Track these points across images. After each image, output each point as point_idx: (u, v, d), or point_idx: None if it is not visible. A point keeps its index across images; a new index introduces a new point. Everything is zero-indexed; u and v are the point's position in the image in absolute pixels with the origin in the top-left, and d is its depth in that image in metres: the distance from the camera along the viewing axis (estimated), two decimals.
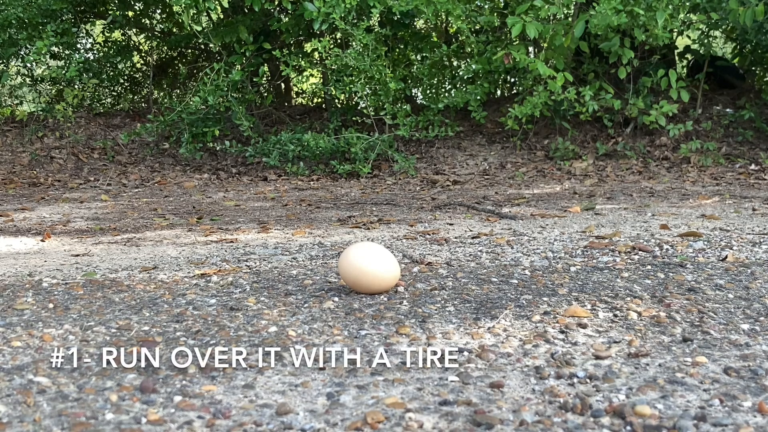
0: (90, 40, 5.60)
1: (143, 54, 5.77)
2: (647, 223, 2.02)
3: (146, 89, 5.75)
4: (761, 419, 0.67)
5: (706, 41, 4.25)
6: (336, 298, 1.14)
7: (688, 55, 4.86)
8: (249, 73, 4.59)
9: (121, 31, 5.57)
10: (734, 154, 4.01)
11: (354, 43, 4.02)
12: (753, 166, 3.79)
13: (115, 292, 1.22)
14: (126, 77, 5.73)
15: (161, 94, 5.78)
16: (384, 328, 0.97)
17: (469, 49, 4.18)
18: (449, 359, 0.85)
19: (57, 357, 0.87)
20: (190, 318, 1.04)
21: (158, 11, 5.51)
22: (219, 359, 0.85)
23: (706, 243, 1.62)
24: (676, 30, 4.11)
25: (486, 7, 4.34)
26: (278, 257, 1.58)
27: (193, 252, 1.69)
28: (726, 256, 1.44)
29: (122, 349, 0.88)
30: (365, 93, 4.15)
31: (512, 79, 4.94)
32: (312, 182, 3.85)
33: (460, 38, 4.22)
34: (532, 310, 1.05)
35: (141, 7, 5.40)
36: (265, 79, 4.96)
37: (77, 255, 1.68)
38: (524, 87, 4.17)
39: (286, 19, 4.46)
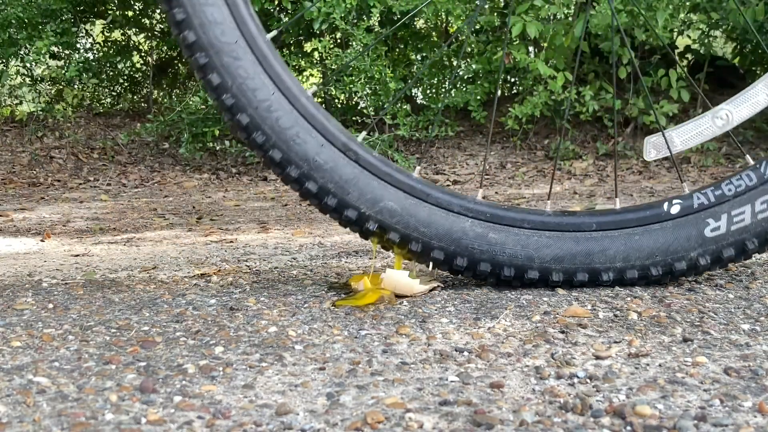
0: (90, 40, 5.60)
1: (143, 54, 5.76)
2: None
3: (146, 89, 5.75)
4: (761, 419, 0.67)
5: (706, 41, 4.25)
6: (336, 299, 1.14)
7: (689, 55, 4.86)
8: None
9: (121, 31, 5.57)
10: (734, 154, 4.01)
11: (354, 43, 4.02)
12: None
13: (115, 292, 1.22)
14: (126, 77, 5.72)
15: (161, 94, 5.78)
16: (384, 328, 0.97)
17: (469, 49, 4.19)
18: (449, 359, 0.84)
19: (57, 357, 0.86)
20: (190, 318, 1.04)
21: (158, 11, 5.51)
22: (219, 359, 0.85)
23: None
24: (676, 30, 4.11)
25: (486, 7, 4.34)
26: (278, 257, 1.58)
27: (193, 252, 1.69)
28: None
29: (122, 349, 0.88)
30: (365, 93, 4.14)
31: (512, 79, 4.94)
32: None
33: (460, 38, 4.22)
34: (532, 310, 1.05)
35: (141, 7, 5.39)
36: None
37: (77, 255, 1.68)
38: (524, 87, 4.17)
39: (286, 18, 4.46)
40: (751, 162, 1.16)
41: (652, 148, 1.19)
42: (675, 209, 1.13)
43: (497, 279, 1.14)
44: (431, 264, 1.13)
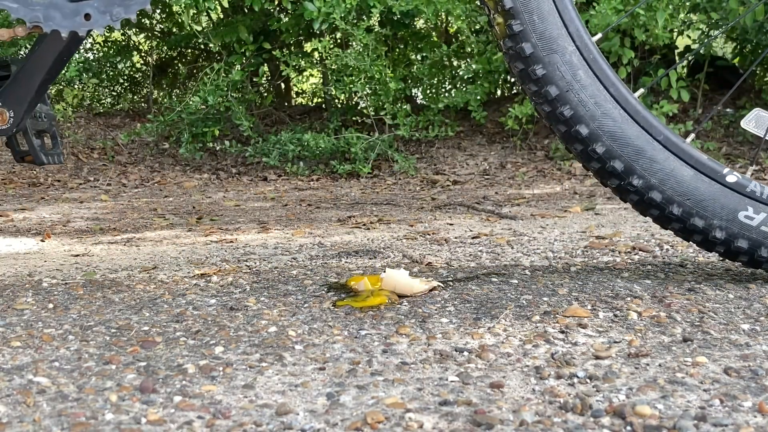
0: (90, 40, 5.60)
1: (143, 54, 5.77)
2: (647, 222, 2.03)
3: (146, 89, 5.75)
4: (761, 419, 0.67)
5: (706, 41, 4.25)
6: (336, 299, 1.14)
7: (688, 55, 4.86)
8: (249, 73, 4.59)
9: (121, 31, 5.57)
10: (734, 154, 4.01)
11: (354, 43, 4.02)
12: (753, 166, 3.79)
13: (115, 292, 1.22)
14: (126, 77, 5.73)
15: (161, 94, 5.79)
16: (384, 328, 0.97)
17: (469, 49, 4.18)
18: (449, 359, 0.84)
19: (57, 357, 0.86)
20: (190, 318, 1.04)
21: (158, 11, 5.51)
22: (219, 359, 0.85)
23: None
24: (676, 30, 4.11)
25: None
26: (278, 257, 1.58)
27: (193, 252, 1.69)
28: None
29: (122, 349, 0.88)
30: (365, 93, 4.15)
31: (512, 79, 4.94)
32: (312, 182, 3.86)
33: (460, 38, 4.22)
34: (532, 310, 1.05)
35: None
36: (265, 79, 4.96)
37: (77, 255, 1.68)
38: None
39: (286, 18, 4.46)
40: None
41: (755, 120, 1.20)
42: (730, 178, 1.14)
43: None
44: None
